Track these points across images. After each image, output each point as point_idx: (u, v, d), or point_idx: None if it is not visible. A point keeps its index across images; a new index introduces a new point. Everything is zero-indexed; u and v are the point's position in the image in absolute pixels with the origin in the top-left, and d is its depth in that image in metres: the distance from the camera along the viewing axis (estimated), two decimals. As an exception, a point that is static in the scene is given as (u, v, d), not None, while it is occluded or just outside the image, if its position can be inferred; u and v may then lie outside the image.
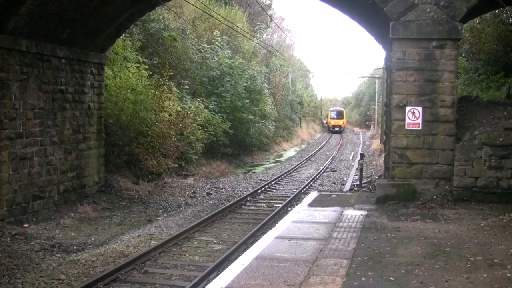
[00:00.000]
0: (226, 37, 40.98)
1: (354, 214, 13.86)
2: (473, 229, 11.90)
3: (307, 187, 25.86)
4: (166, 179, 25.43)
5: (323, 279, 8.31)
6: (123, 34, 24.53)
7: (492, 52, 23.72)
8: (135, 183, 23.25)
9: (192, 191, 24.54)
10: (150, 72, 26.61)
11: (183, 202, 22.11)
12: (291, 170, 33.32)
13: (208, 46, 38.00)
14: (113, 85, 24.14)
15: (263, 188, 25.18)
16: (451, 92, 15.59)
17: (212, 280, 9.10)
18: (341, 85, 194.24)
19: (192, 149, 29.15)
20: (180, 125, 27.32)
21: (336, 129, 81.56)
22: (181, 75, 32.48)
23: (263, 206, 21.31)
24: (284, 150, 53.19)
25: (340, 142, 63.76)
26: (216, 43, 38.79)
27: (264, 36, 60.55)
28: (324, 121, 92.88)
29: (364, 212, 14.04)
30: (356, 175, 27.59)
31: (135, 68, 25.87)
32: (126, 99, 24.15)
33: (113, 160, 23.18)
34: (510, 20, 24.60)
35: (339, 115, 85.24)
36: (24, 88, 16.61)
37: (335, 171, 33.98)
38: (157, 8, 26.46)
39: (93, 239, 15.70)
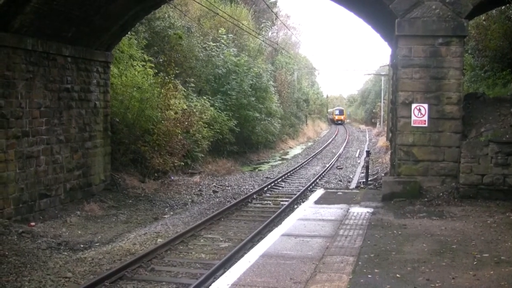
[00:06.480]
0: (231, 35, 41.00)
1: (360, 211, 13.84)
2: (480, 226, 11.87)
3: (313, 184, 25.84)
4: (172, 177, 25.46)
5: (329, 277, 8.31)
6: (129, 33, 24.56)
7: (498, 49, 23.59)
8: (141, 181, 23.29)
9: (198, 189, 24.55)
10: (156, 70, 26.64)
11: (189, 200, 22.13)
12: (297, 168, 33.30)
13: (214, 44, 38.05)
14: (119, 83, 24.18)
15: (269, 186, 25.17)
16: (457, 89, 15.54)
17: (218, 277, 9.13)
18: (347, 83, 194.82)
19: (198, 147, 29.17)
20: (186, 123, 27.35)
21: (339, 122, 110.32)
22: (186, 73, 32.50)
23: (269, 204, 21.31)
24: (290, 147, 53.18)
25: (346, 138, 63.76)
26: (222, 41, 38.82)
27: (270, 34, 60.59)
28: (330, 117, 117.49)
29: (370, 210, 14.01)
30: (362, 173, 27.53)
31: (140, 66, 25.92)
32: (132, 97, 24.19)
33: (119, 158, 23.22)
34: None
35: (341, 112, 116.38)
36: (30, 86, 16.67)
37: (341, 168, 33.93)
38: (162, 6, 26.48)
39: (99, 237, 15.73)
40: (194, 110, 29.22)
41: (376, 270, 8.63)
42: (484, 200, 14.42)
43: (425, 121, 15.60)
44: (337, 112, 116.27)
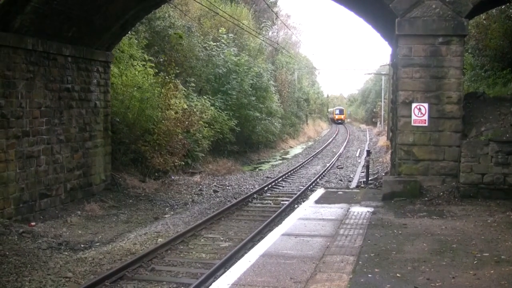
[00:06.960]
0: (232, 35, 40.98)
1: (360, 211, 13.84)
2: (480, 225, 11.87)
3: (313, 184, 25.83)
4: (172, 177, 25.46)
5: (329, 276, 8.31)
6: (129, 32, 24.55)
7: (499, 48, 23.56)
8: (142, 181, 23.29)
9: (199, 188, 24.56)
10: (156, 70, 26.63)
11: (190, 200, 22.13)
12: (298, 167, 33.29)
13: (214, 43, 38.05)
14: (119, 83, 24.18)
15: (269, 185, 25.17)
16: (457, 89, 15.53)
17: (219, 277, 9.13)
18: (347, 82, 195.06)
19: (198, 147, 29.18)
20: (187, 122, 27.34)
21: (339, 121, 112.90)
22: (187, 73, 32.50)
23: (270, 203, 21.30)
24: (291, 147, 53.17)
25: (347, 138, 63.72)
26: (222, 40, 38.82)
27: (270, 33, 60.54)
28: (330, 116, 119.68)
29: (370, 209, 14.01)
30: (363, 172, 27.53)
31: (141, 66, 25.91)
32: (132, 97, 24.19)
33: (120, 158, 23.23)
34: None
35: (341, 112, 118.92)
36: (30, 86, 16.67)
37: (342, 168, 33.92)
38: (162, 6, 26.47)
39: (100, 237, 15.74)
40: (195, 109, 29.20)
41: (376, 270, 8.63)
42: (484, 200, 14.41)
43: (425, 120, 15.59)
44: (337, 111, 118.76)
